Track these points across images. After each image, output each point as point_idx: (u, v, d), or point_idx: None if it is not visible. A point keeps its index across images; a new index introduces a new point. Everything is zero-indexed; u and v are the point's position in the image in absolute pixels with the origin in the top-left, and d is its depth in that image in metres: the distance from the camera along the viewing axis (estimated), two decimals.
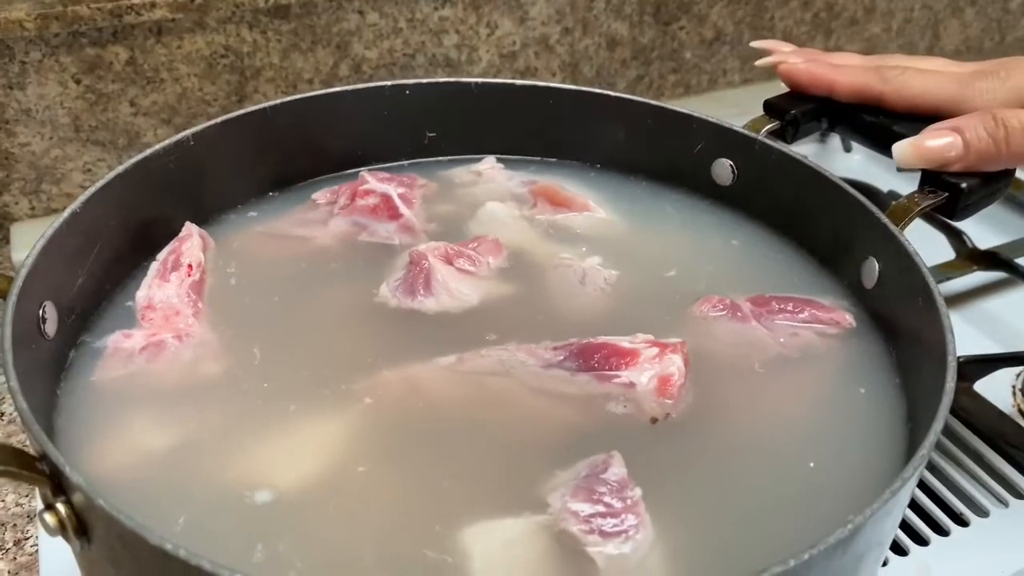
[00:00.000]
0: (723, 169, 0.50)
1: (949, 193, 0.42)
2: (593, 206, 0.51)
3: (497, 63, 0.84)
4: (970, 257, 0.68)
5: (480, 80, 0.52)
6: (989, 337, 0.62)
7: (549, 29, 0.84)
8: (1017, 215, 0.74)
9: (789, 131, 0.49)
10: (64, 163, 0.72)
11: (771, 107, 0.49)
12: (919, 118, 0.45)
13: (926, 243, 0.67)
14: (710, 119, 0.49)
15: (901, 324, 0.41)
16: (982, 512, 0.49)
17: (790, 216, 0.48)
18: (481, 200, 0.51)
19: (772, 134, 0.49)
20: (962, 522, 0.48)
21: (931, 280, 0.38)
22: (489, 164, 0.54)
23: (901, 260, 0.40)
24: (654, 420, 0.37)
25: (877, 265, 0.42)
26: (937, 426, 0.30)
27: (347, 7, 0.76)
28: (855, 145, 0.82)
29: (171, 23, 0.71)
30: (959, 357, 0.57)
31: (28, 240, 0.68)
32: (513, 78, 0.86)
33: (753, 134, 0.48)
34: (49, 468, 0.29)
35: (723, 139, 0.49)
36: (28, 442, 0.33)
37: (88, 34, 0.69)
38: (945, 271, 0.66)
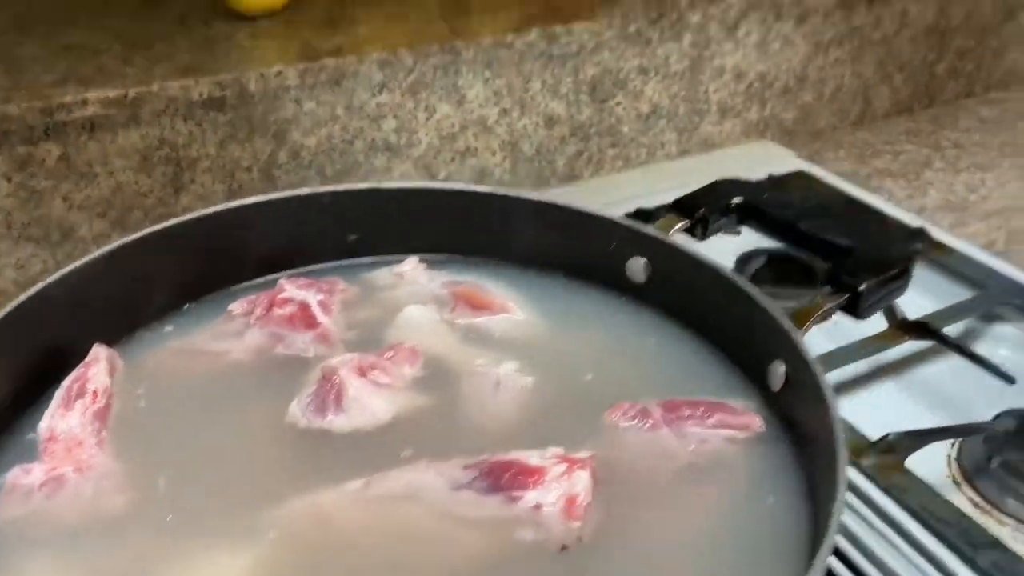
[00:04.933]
0: (637, 267, 0.51)
1: (849, 294, 0.43)
2: (512, 307, 0.51)
3: (437, 144, 0.85)
4: (901, 327, 0.69)
5: (398, 186, 0.53)
6: (924, 407, 0.63)
7: (487, 111, 0.85)
8: (945, 280, 0.76)
9: (699, 229, 0.49)
10: None
11: (680, 206, 0.50)
12: (823, 214, 0.46)
13: None
14: (621, 221, 0.50)
15: (806, 429, 0.41)
16: None
17: (702, 316, 0.49)
18: (402, 303, 0.51)
19: (683, 231, 0.49)
20: None
21: (827, 388, 0.38)
22: (411, 265, 0.54)
23: (800, 364, 0.40)
24: (564, 547, 0.37)
25: (782, 368, 0.43)
26: (824, 553, 0.30)
27: (284, 96, 0.77)
28: None
29: (104, 119, 0.71)
30: (889, 433, 0.58)
31: None
32: (453, 159, 0.88)
33: (662, 235, 0.49)
34: None
35: (635, 238, 0.50)
36: None
37: (19, 132, 0.69)
38: (877, 342, 0.67)
